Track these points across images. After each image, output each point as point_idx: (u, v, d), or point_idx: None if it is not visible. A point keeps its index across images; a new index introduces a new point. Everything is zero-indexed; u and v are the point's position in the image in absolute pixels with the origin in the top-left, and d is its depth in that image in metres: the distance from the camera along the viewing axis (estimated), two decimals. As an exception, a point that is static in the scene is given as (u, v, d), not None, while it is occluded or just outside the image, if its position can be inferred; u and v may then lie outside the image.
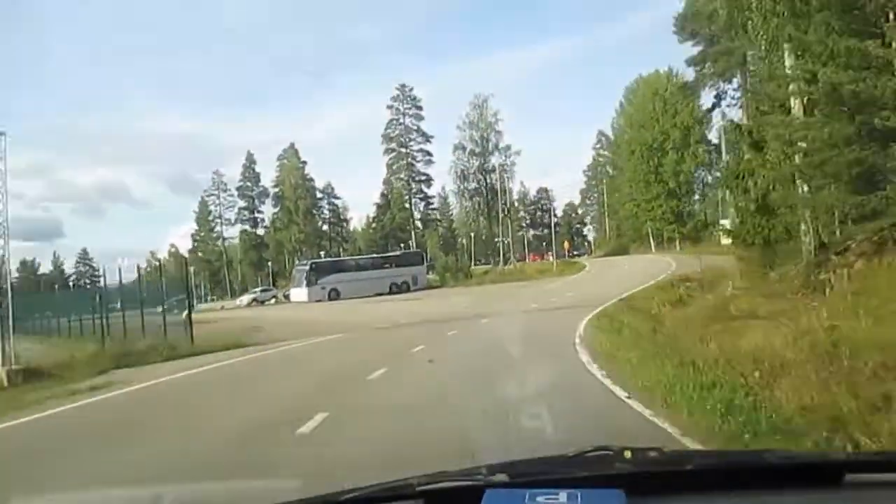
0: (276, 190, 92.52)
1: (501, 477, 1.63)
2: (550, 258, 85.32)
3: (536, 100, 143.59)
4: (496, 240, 71.94)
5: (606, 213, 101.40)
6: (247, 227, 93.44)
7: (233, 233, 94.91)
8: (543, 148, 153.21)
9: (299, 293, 55.23)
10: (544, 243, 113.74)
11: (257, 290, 69.30)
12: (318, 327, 25.41)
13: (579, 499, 1.41)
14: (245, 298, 64.60)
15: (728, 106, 34.71)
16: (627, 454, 1.72)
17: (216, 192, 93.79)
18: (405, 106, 79.55)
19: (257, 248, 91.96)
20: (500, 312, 25.94)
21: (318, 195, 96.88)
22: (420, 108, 79.35)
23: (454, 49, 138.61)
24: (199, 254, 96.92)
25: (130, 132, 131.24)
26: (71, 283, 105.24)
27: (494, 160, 76.85)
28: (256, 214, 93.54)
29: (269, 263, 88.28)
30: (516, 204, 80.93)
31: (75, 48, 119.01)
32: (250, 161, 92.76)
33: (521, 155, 76.56)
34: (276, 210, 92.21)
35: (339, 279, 55.38)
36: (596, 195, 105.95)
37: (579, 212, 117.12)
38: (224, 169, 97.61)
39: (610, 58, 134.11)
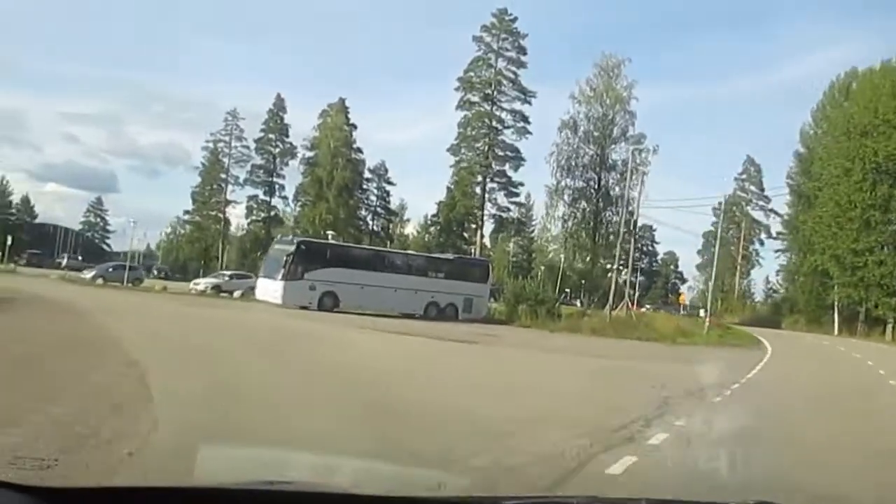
0: (310, 155, 68.86)
1: None
2: (647, 309, 60.12)
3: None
4: (607, 266, 46.40)
5: (739, 269, 75.62)
6: (259, 192, 69.93)
7: (240, 197, 71.67)
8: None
9: (270, 288, 32.30)
10: (635, 291, 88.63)
11: (226, 273, 45.77)
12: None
13: None
14: (202, 283, 41.35)
15: None
16: None
17: (226, 138, 70.40)
18: (501, 41, 54.53)
19: (267, 223, 68.33)
20: None
21: (367, 175, 73.15)
22: (523, 50, 54.20)
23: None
24: (198, 218, 74.13)
25: (207, 101, 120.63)
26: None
27: (617, 154, 51.74)
28: (275, 179, 69.80)
29: (279, 246, 64.55)
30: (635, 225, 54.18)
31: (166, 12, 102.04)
32: (279, 107, 69.24)
33: (657, 154, 50.39)
34: (304, 179, 68.30)
35: (343, 277, 32.20)
36: (725, 241, 79.92)
37: (679, 262, 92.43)
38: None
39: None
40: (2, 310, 14.82)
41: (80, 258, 62.27)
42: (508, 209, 59.18)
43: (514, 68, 54.99)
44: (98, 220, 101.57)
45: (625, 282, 49.81)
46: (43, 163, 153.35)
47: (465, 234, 67.32)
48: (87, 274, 43.37)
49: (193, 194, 72.66)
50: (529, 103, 56.24)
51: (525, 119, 55.63)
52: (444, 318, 33.66)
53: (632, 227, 44.41)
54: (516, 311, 38.67)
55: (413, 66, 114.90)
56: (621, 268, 44.52)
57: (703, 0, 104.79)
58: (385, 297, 32.55)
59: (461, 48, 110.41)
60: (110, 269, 43.87)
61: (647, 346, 29.06)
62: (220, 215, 71.61)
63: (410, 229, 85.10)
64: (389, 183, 75.89)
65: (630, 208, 44.99)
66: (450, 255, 42.25)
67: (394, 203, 78.73)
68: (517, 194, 59.18)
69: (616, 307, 43.90)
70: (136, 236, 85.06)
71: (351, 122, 67.97)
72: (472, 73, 55.33)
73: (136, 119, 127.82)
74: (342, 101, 67.99)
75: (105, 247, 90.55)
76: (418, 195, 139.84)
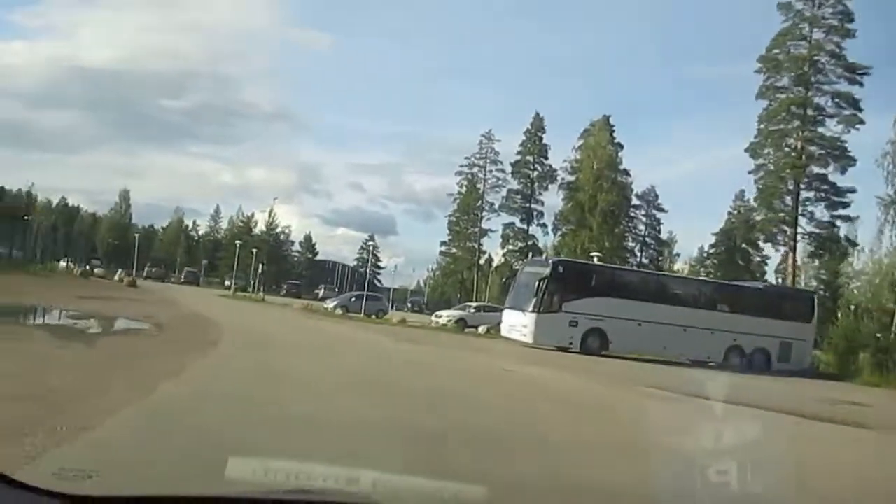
0: (571, 179, 61.90)
1: None
2: None
3: None
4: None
5: None
6: (515, 220, 64.20)
7: (496, 225, 66.56)
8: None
9: (517, 323, 25.41)
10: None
11: (472, 304, 40.24)
12: None
13: None
14: (445, 315, 36.06)
15: None
16: None
17: (482, 162, 65.69)
18: (816, 6, 42.32)
19: (525, 252, 62.28)
20: None
21: (635, 202, 64.50)
22: (848, 15, 41.57)
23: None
24: (454, 249, 70.23)
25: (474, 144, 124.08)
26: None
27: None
28: (533, 205, 63.74)
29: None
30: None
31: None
32: (537, 127, 63.19)
33: None
34: (564, 204, 61.37)
35: (614, 310, 24.58)
36: None
37: None
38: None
39: None
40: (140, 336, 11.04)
41: (336, 289, 61.52)
42: (833, 224, 44.45)
43: (836, 38, 42.77)
44: (370, 256, 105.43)
45: None
46: (333, 209, 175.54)
47: (750, 268, 56.11)
48: (329, 304, 40.53)
49: (449, 224, 69.20)
50: (860, 84, 42.75)
51: (854, 104, 42.56)
52: (751, 367, 24.73)
53: None
54: (851, 362, 28.30)
55: (669, 103, 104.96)
56: None
57: None
58: (670, 337, 24.49)
59: (721, 84, 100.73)
60: (352, 300, 40.64)
61: None
62: (475, 245, 67.13)
63: (680, 265, 74.43)
64: (660, 210, 66.57)
65: None
66: (759, 284, 32.66)
67: (664, 234, 69.28)
68: (846, 205, 43.96)
69: None
70: (407, 273, 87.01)
71: (616, 140, 60.30)
72: (777, 51, 43.75)
73: (413, 167, 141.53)
74: (606, 118, 60.50)
75: (377, 282, 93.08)
76: (684, 237, 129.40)
